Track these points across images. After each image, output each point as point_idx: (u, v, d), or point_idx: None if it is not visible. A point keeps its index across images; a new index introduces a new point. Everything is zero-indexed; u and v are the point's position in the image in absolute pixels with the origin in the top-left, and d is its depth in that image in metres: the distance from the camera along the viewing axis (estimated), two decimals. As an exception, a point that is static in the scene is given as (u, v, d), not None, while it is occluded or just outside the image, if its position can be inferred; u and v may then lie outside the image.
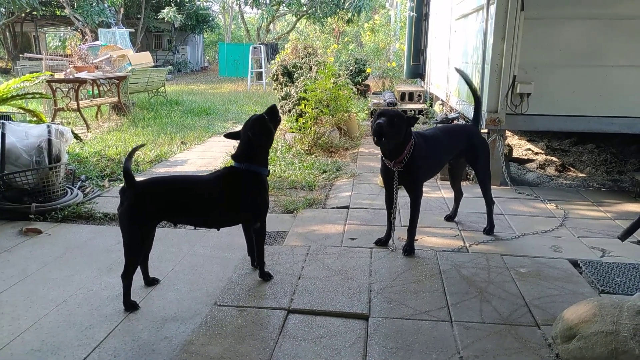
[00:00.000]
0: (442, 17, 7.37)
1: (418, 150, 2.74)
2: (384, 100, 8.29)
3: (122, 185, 2.22)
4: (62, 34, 25.71)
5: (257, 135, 2.35)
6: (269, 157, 2.50)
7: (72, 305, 2.30)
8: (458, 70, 3.47)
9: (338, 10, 18.10)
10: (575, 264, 2.71)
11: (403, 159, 2.72)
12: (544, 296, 2.33)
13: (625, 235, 1.86)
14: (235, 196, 2.35)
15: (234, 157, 2.43)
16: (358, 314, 2.18)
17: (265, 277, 2.52)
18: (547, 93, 4.17)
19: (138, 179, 2.25)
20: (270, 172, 4.73)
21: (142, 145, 2.36)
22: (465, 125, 3.24)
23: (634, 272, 2.59)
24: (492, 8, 4.13)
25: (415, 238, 2.92)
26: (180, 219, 2.39)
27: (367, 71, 11.03)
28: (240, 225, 2.56)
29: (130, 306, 2.26)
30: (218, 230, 2.56)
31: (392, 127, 2.59)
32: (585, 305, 1.82)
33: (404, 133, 2.67)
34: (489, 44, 4.20)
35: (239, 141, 2.44)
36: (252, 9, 19.26)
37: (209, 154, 5.82)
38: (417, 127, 5.65)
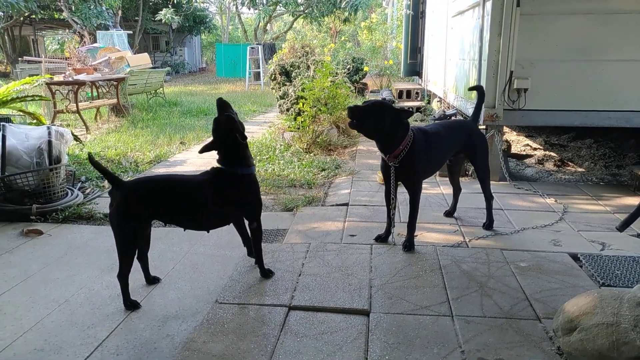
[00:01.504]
0: (439, 15, 7.37)
1: (417, 146, 2.72)
2: (382, 99, 8.29)
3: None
4: (60, 37, 25.70)
5: (238, 135, 2.29)
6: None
7: (74, 305, 2.31)
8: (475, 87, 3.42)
9: (335, 10, 18.12)
10: (575, 257, 2.72)
11: (399, 154, 2.70)
12: (544, 290, 2.34)
13: (623, 225, 1.86)
14: (227, 197, 2.32)
15: (220, 162, 2.37)
16: (359, 310, 2.19)
17: (267, 275, 2.52)
18: (544, 88, 4.18)
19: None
20: (270, 170, 4.76)
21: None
22: (466, 121, 3.23)
23: (634, 265, 2.60)
24: (488, 4, 4.13)
25: (415, 234, 2.92)
26: (169, 219, 2.34)
27: (364, 70, 11.04)
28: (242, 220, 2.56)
29: (131, 305, 2.26)
30: (207, 232, 2.51)
31: (368, 113, 2.58)
32: (585, 298, 1.83)
33: (389, 125, 2.62)
34: (485, 40, 4.21)
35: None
36: (249, 9, 19.29)
37: (208, 154, 5.77)
38: (414, 124, 5.67)
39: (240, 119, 2.38)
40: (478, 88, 3.30)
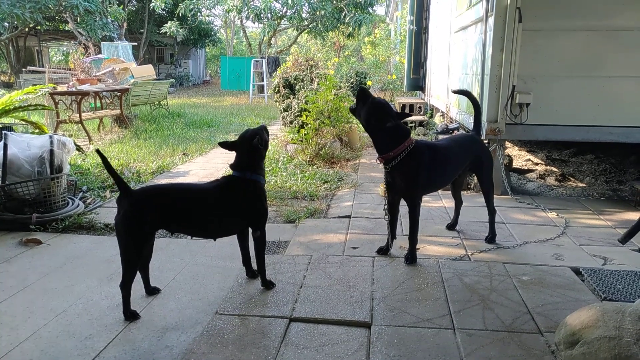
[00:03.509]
0: (442, 30, 7.44)
1: (416, 158, 2.70)
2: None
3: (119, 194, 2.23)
4: (65, 48, 25.99)
5: (263, 144, 2.39)
6: (266, 168, 2.52)
7: (71, 315, 2.29)
8: (456, 91, 3.49)
9: (339, 25, 18.31)
10: (577, 271, 2.70)
11: (391, 160, 2.70)
12: (546, 304, 2.32)
13: (625, 238, 1.86)
14: (236, 205, 2.35)
15: (233, 166, 2.43)
16: (360, 322, 2.17)
17: (268, 285, 2.51)
18: (546, 103, 4.20)
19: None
20: (272, 182, 4.76)
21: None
22: (474, 136, 3.23)
23: (636, 280, 2.58)
24: (491, 20, 4.17)
25: (417, 247, 2.91)
26: (178, 227, 2.36)
27: (367, 84, 11.10)
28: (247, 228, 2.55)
29: (131, 316, 2.24)
30: (214, 240, 2.55)
31: (366, 103, 2.68)
32: (587, 311, 1.81)
33: (379, 123, 2.66)
34: (488, 55, 4.24)
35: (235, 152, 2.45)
36: (254, 23, 19.48)
37: (210, 165, 5.84)
38: (416, 138, 5.67)
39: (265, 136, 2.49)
40: (464, 93, 3.33)
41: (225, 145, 2.45)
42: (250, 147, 2.37)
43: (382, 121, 2.66)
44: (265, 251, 2.51)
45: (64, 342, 2.07)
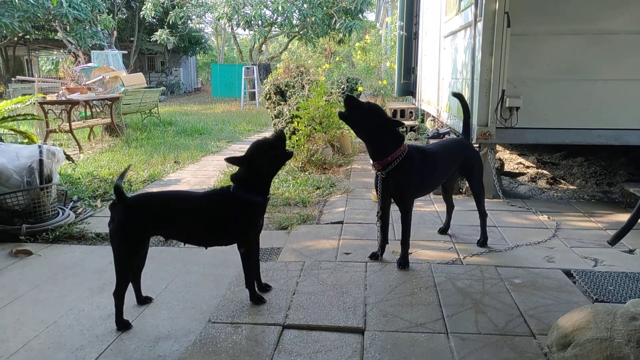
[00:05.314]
0: (432, 35, 7.50)
1: (409, 162, 2.73)
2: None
3: (112, 201, 2.22)
4: (54, 57, 25.83)
5: (257, 160, 2.29)
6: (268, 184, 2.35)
7: (62, 326, 2.26)
8: (455, 94, 3.50)
9: (329, 31, 18.38)
10: (568, 273, 2.72)
11: (387, 165, 2.71)
12: (538, 306, 2.33)
13: (614, 240, 1.87)
14: (220, 218, 2.29)
15: (232, 177, 2.36)
16: (354, 328, 2.17)
17: (256, 301, 2.41)
18: (536, 107, 4.24)
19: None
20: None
21: (130, 166, 2.36)
22: (462, 140, 3.25)
23: (627, 281, 2.60)
24: (480, 25, 4.22)
25: (410, 251, 2.91)
26: (171, 234, 2.37)
27: (359, 90, 11.13)
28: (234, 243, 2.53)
29: (123, 325, 2.22)
30: (206, 248, 2.52)
31: (360, 109, 2.64)
32: (579, 313, 1.83)
33: (376, 129, 2.65)
34: (477, 60, 4.28)
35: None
36: (245, 30, 19.52)
37: (202, 173, 5.82)
38: (408, 142, 5.68)
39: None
40: (458, 96, 3.34)
41: (233, 161, 2.32)
42: (245, 164, 2.30)
43: (382, 125, 2.66)
44: (250, 267, 2.40)
45: (55, 353, 2.04)
